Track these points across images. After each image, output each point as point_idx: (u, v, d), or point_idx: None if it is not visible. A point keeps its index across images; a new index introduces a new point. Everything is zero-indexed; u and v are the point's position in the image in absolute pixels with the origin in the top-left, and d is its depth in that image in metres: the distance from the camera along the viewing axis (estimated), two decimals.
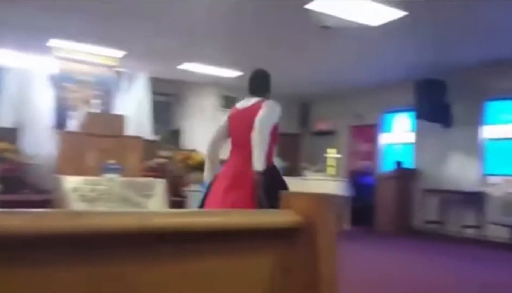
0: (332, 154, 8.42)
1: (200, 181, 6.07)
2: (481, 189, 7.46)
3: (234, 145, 3.21)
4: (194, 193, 5.93)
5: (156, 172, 6.41)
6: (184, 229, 1.17)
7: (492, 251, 6.34)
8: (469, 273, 4.88)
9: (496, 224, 6.79)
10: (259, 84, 3.30)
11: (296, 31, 6.32)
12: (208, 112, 10.63)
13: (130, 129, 6.89)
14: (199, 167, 5.87)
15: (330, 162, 8.32)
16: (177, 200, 6.37)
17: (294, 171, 10.15)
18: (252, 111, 3.07)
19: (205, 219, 1.20)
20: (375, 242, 7.08)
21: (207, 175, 3.25)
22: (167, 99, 12.08)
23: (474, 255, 6.13)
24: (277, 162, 8.40)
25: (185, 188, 6.10)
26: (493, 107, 7.63)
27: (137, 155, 5.41)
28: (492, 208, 7.18)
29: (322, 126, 10.92)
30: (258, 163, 2.90)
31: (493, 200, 7.22)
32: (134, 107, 8.31)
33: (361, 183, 8.95)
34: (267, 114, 3.01)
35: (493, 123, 7.59)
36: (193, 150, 8.81)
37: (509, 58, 6.86)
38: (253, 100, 3.20)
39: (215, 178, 3.17)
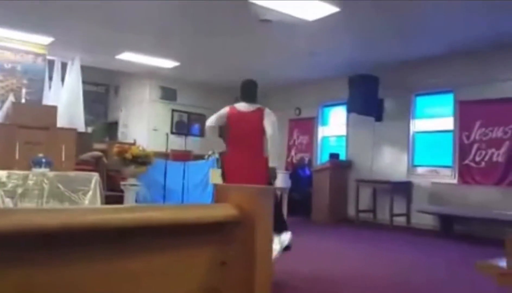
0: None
1: (137, 175, 5.93)
2: (409, 179, 7.93)
3: (238, 142, 3.92)
4: (131, 187, 5.78)
5: (91, 166, 6.17)
6: (119, 225, 1.14)
7: (419, 237, 6.77)
8: (398, 256, 5.19)
9: (422, 212, 7.24)
10: (249, 91, 4.06)
11: (236, 23, 6.32)
12: (147, 103, 10.37)
13: (63, 121, 6.55)
14: (137, 160, 5.72)
15: None
16: (113, 195, 6.18)
17: None
18: (255, 117, 3.89)
19: (140, 215, 1.18)
20: (312, 231, 7.29)
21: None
22: (103, 90, 11.64)
23: (403, 241, 6.51)
24: (216, 153, 8.41)
25: (122, 183, 5.91)
26: (420, 102, 8.11)
27: (69, 148, 5.16)
28: (419, 197, 7.65)
29: None
30: (276, 161, 3.87)
31: (420, 189, 7.70)
32: (66, 98, 7.91)
33: (299, 175, 9.16)
34: (275, 123, 3.89)
35: (421, 117, 8.07)
36: (132, 143, 8.57)
37: (436, 56, 7.32)
38: (252, 107, 3.97)
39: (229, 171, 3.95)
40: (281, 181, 8.04)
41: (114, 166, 6.36)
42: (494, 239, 5.97)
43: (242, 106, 3.98)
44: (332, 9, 5.45)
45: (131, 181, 5.82)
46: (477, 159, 7.02)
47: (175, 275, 1.29)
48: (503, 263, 2.10)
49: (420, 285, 4.00)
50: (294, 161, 10.00)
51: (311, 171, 9.11)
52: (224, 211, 1.33)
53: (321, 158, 9.70)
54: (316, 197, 8.56)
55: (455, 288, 3.92)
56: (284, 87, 10.15)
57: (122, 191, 5.94)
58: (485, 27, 6.02)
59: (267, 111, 3.93)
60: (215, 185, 4.70)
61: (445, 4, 5.27)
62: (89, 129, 8.49)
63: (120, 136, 10.73)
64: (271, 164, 3.82)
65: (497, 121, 6.79)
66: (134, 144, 8.13)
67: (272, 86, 10.33)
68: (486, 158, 6.91)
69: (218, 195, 1.44)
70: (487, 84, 6.89)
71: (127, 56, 8.34)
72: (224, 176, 4.02)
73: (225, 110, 4.02)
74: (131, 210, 1.29)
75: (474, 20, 5.80)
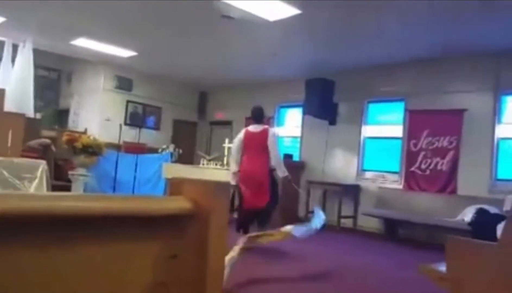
0: (226, 144, 8.54)
1: (87, 165, 5.74)
2: (358, 183, 8.18)
3: (248, 156, 5.15)
4: (80, 177, 5.59)
5: (38, 153, 5.91)
6: (63, 214, 1.11)
7: (364, 239, 7.00)
8: (344, 257, 5.35)
9: (368, 215, 7.49)
10: (258, 116, 5.34)
11: (198, 19, 6.27)
12: (100, 92, 10.07)
13: (11, 105, 6.24)
14: (87, 150, 5.54)
15: (226, 151, 8.43)
16: (61, 184, 5.96)
17: (190, 159, 10.11)
18: (261, 135, 5.09)
19: (87, 204, 1.15)
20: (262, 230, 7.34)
21: (234, 168, 5.30)
22: (55, 76, 11.19)
23: (350, 242, 6.71)
24: (172, 149, 8.30)
25: (71, 172, 5.71)
26: (372, 108, 8.38)
27: (17, 134, 4.92)
28: (366, 201, 7.91)
29: (221, 116, 11.03)
30: (283, 171, 5.23)
31: (367, 193, 7.96)
32: (16, 81, 7.52)
33: None
34: (276, 141, 5.20)
35: (372, 123, 8.34)
36: (82, 132, 8.28)
37: (390, 64, 7.59)
38: (260, 128, 5.19)
39: (241, 180, 5.23)
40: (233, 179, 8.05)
41: (63, 154, 6.13)
42: (435, 244, 6.28)
43: (252, 128, 5.20)
44: (294, 11, 5.53)
45: (80, 171, 5.63)
46: (423, 166, 7.34)
47: (124, 266, 1.26)
48: (442, 267, 2.22)
49: (372, 276, 4.18)
50: None
51: None
52: (178, 204, 1.32)
53: None
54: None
55: (397, 283, 4.10)
56: (242, 85, 10.18)
57: (70, 181, 5.73)
58: (436, 39, 6.30)
59: (270, 132, 5.09)
60: (168, 179, 4.66)
61: (400, 15, 5.50)
62: (38, 115, 8.13)
63: (70, 125, 10.36)
64: (281, 174, 5.10)
65: (443, 131, 7.13)
66: (85, 133, 7.88)
67: (231, 83, 10.35)
68: (431, 166, 7.25)
69: (172, 188, 1.43)
70: (436, 95, 7.22)
71: (82, 42, 8.06)
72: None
73: (242, 132, 5.28)
74: (78, 199, 1.25)
75: (426, 31, 6.05)
